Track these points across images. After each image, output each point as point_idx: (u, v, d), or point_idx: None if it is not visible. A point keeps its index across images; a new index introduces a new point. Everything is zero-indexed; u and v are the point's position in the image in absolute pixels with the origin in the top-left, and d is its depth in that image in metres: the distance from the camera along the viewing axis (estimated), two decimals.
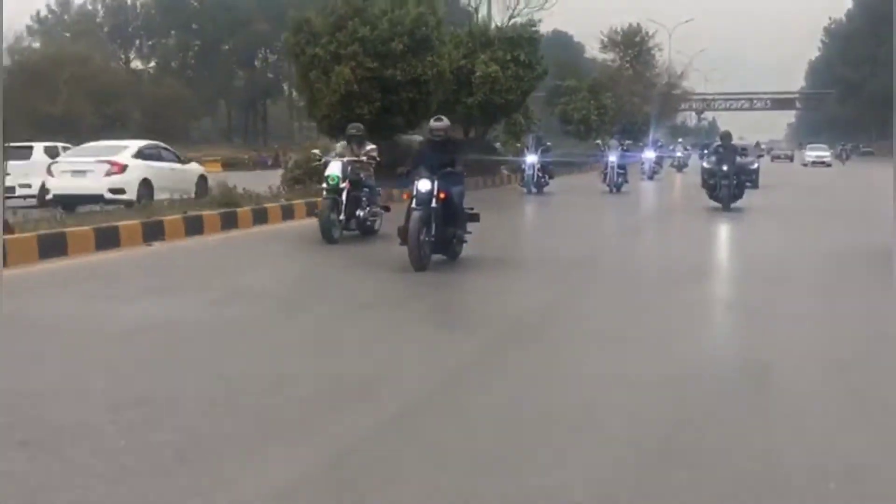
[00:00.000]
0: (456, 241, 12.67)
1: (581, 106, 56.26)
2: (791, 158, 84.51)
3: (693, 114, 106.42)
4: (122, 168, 20.63)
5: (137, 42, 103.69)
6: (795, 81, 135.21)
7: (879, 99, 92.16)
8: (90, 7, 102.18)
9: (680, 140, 57.90)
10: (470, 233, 13.01)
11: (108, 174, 20.44)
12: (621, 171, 30.35)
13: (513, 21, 40.50)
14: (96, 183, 20.29)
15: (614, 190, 29.89)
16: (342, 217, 15.24)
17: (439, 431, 5.19)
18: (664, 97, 74.29)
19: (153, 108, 78.68)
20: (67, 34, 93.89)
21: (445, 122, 13.21)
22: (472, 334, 8.03)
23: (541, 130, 34.87)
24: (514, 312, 9.18)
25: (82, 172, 20.67)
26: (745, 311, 9.20)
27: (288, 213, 19.11)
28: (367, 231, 15.86)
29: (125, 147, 22.09)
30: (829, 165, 65.34)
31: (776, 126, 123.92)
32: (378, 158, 16.49)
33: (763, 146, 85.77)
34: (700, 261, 13.28)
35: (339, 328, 8.31)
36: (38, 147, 26.01)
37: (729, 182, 21.87)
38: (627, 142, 38.22)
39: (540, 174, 29.71)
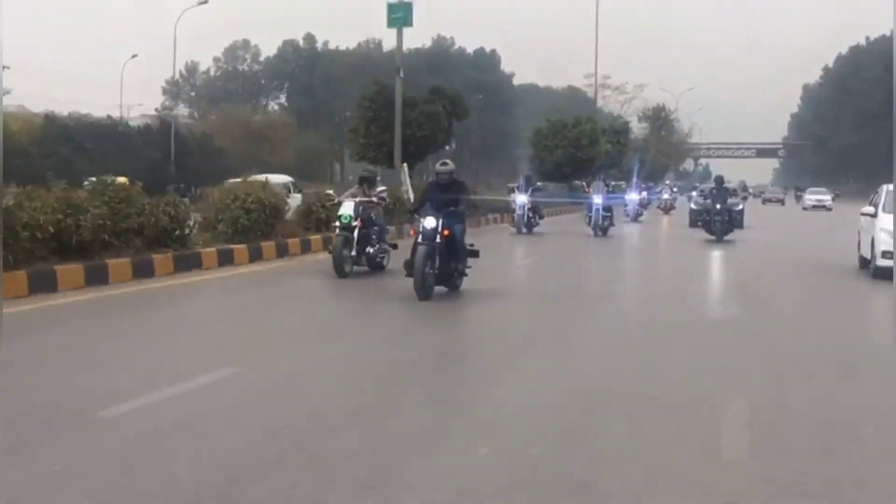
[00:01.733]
0: (457, 275, 13.66)
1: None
2: (782, 202, 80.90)
3: (692, 160, 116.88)
4: None
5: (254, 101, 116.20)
6: (780, 131, 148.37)
7: (839, 153, 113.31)
8: (212, 72, 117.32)
9: (667, 181, 57.30)
10: (470, 267, 13.91)
11: None
12: (607, 214, 28.75)
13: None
14: None
15: (599, 233, 28.50)
16: (353, 253, 16.14)
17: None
18: (676, 150, 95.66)
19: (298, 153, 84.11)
20: (192, 93, 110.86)
21: (451, 165, 14.36)
22: (468, 356, 9.81)
23: (531, 171, 36.43)
24: (505, 336, 10.63)
25: None
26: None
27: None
28: (376, 267, 16.59)
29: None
30: (829, 209, 60.60)
31: (763, 171, 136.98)
32: (387, 200, 17.64)
33: (750, 189, 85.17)
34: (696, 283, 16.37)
35: (355, 352, 9.39)
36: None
37: (721, 218, 26.43)
38: (613, 183, 37.05)
39: (530, 214, 29.55)
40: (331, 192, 18.22)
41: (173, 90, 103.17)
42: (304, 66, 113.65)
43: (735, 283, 17.31)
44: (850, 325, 11.80)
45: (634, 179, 50.74)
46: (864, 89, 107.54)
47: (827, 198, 66.93)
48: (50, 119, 59.92)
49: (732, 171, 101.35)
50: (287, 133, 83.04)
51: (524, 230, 29.01)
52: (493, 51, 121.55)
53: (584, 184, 44.52)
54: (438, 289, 13.31)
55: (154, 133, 60.90)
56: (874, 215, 16.75)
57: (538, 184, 33.07)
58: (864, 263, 17.45)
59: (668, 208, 48.57)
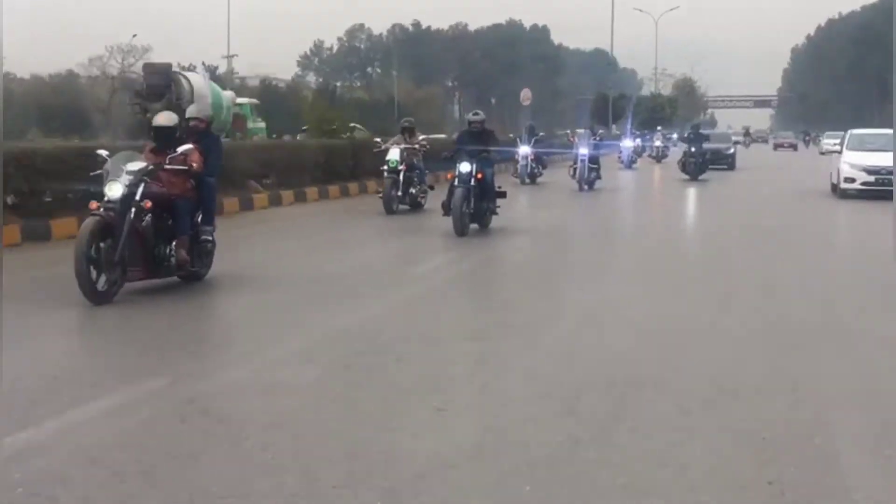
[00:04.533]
0: (488, 214, 13.49)
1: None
2: (795, 147, 68.64)
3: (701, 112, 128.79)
4: None
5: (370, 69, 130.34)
6: (775, 82, 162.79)
7: (817, 106, 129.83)
8: (334, 48, 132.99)
9: (659, 128, 50.47)
10: (500, 206, 13.76)
11: None
12: (594, 166, 23.52)
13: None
14: None
15: (585, 188, 22.76)
16: (399, 193, 16.36)
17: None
18: (694, 106, 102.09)
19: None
20: (327, 68, 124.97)
21: (481, 115, 14.37)
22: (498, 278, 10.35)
23: (534, 121, 31.89)
24: (525, 261, 11.61)
25: None
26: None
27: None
28: (416, 206, 16.53)
29: None
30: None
31: (760, 118, 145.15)
32: (427, 146, 17.31)
33: (752, 133, 79.52)
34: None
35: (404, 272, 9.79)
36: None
37: (696, 160, 27.25)
38: (600, 130, 31.90)
39: (533, 164, 26.29)
40: (378, 139, 18.69)
41: (304, 62, 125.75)
42: (409, 43, 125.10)
43: (726, 207, 19.37)
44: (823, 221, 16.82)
45: (629, 126, 45.80)
46: (835, 57, 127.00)
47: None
48: (265, 83, 70.03)
49: (736, 119, 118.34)
50: (424, 95, 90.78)
51: (527, 180, 25.66)
52: (545, 25, 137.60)
53: (567, 132, 37.88)
54: (471, 225, 13.07)
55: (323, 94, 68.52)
56: (840, 153, 20.95)
57: (540, 134, 29.75)
58: (834, 188, 21.05)
59: (660, 157, 40.95)
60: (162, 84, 22.20)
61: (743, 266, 10.70)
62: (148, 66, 24.13)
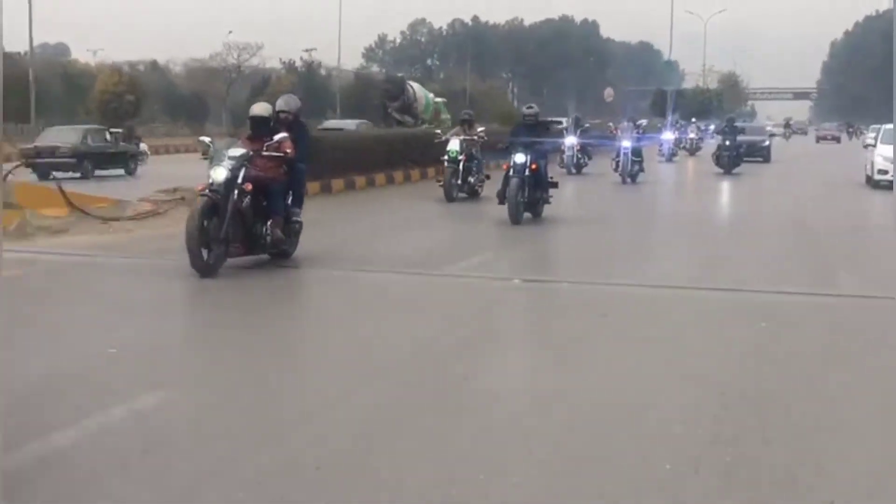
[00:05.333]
0: (541, 203, 13.63)
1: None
2: (838, 139, 63.41)
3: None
4: None
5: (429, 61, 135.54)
6: (814, 75, 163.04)
7: (853, 99, 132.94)
8: (396, 41, 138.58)
9: (693, 119, 47.55)
10: (552, 196, 13.92)
11: None
12: (637, 159, 22.97)
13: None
14: None
15: (628, 180, 22.32)
16: (459, 182, 16.73)
17: None
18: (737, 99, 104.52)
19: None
20: (390, 60, 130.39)
21: (535, 108, 14.68)
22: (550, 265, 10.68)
23: (579, 113, 31.75)
24: (579, 251, 11.70)
25: None
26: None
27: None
28: (474, 194, 16.83)
29: None
30: None
31: (799, 110, 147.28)
32: (485, 137, 17.63)
33: (792, 125, 75.22)
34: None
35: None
36: None
37: (729, 153, 26.07)
38: (642, 122, 30.49)
39: (579, 155, 26.14)
40: (438, 131, 19.48)
41: (369, 54, 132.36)
42: (469, 37, 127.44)
43: (762, 197, 20.28)
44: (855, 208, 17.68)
45: (670, 118, 42.31)
46: (871, 52, 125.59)
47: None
48: (359, 76, 74.05)
49: (775, 111, 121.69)
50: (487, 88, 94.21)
51: (573, 171, 25.27)
52: (595, 20, 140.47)
53: (611, 125, 34.76)
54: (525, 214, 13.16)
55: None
56: (874, 146, 21.79)
57: (586, 125, 29.78)
58: (868, 180, 21.83)
59: (693, 149, 38.60)
60: (397, 89, 31.77)
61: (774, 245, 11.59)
62: (389, 77, 36.05)
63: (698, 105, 69.53)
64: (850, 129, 71.79)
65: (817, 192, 21.11)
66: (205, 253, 8.14)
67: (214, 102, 63.29)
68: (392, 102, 31.78)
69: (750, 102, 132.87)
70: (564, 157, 26.05)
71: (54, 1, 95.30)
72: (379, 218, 14.73)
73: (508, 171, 13.29)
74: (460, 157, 16.67)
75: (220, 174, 8.38)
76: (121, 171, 25.49)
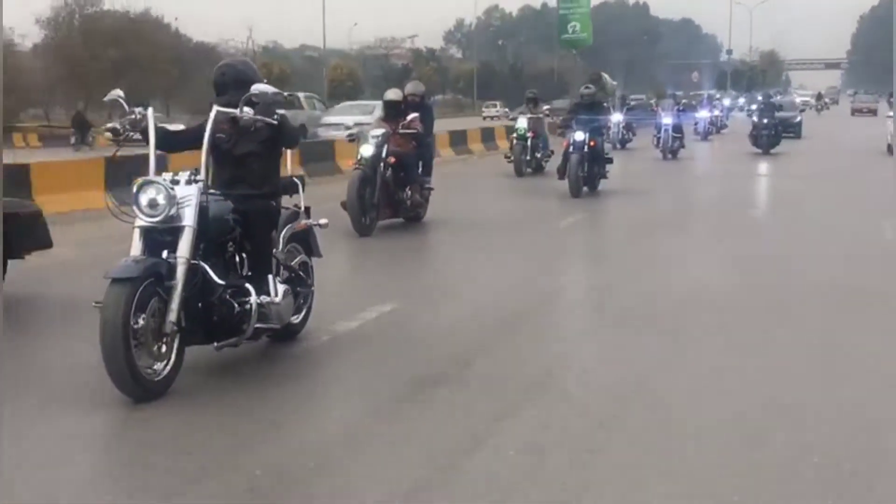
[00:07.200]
0: (598, 178, 13.55)
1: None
2: (874, 112, 51.90)
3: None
4: None
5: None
6: (843, 44, 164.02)
7: (881, 69, 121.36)
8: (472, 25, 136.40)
9: (718, 95, 43.17)
10: (609, 171, 13.82)
11: None
12: (677, 136, 22.38)
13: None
14: None
15: (669, 156, 21.63)
16: (528, 157, 16.68)
17: None
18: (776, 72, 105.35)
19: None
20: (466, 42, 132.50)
21: (593, 88, 14.60)
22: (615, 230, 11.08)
23: (626, 90, 31.40)
24: (637, 219, 11.72)
25: None
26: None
27: None
28: (539, 169, 16.70)
29: None
30: None
31: (831, 78, 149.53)
32: (549, 115, 17.52)
33: (824, 95, 71.37)
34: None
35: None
36: None
37: (768, 132, 22.89)
38: (683, 101, 29.39)
39: (624, 131, 26.11)
40: (506, 109, 22.02)
41: (448, 37, 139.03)
42: (537, 20, 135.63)
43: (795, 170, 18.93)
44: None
45: (706, 95, 38.25)
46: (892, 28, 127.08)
47: None
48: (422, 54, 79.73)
49: (808, 80, 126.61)
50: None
51: (618, 146, 24.50)
52: (645, 2, 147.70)
53: (651, 102, 34.20)
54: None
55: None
56: (893, 117, 20.70)
57: (632, 102, 29.77)
58: (889, 150, 21.28)
59: (719, 127, 33.51)
60: (596, 78, 36.39)
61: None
62: (592, 71, 42.90)
63: (746, 80, 69.43)
64: (892, 99, 70.91)
65: (845, 160, 21.40)
66: (364, 216, 9.06)
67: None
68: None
69: (784, 73, 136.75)
70: (610, 133, 24.69)
71: None
72: (462, 190, 15.16)
73: (568, 148, 13.20)
74: (528, 135, 16.80)
75: (367, 150, 9.22)
76: None
